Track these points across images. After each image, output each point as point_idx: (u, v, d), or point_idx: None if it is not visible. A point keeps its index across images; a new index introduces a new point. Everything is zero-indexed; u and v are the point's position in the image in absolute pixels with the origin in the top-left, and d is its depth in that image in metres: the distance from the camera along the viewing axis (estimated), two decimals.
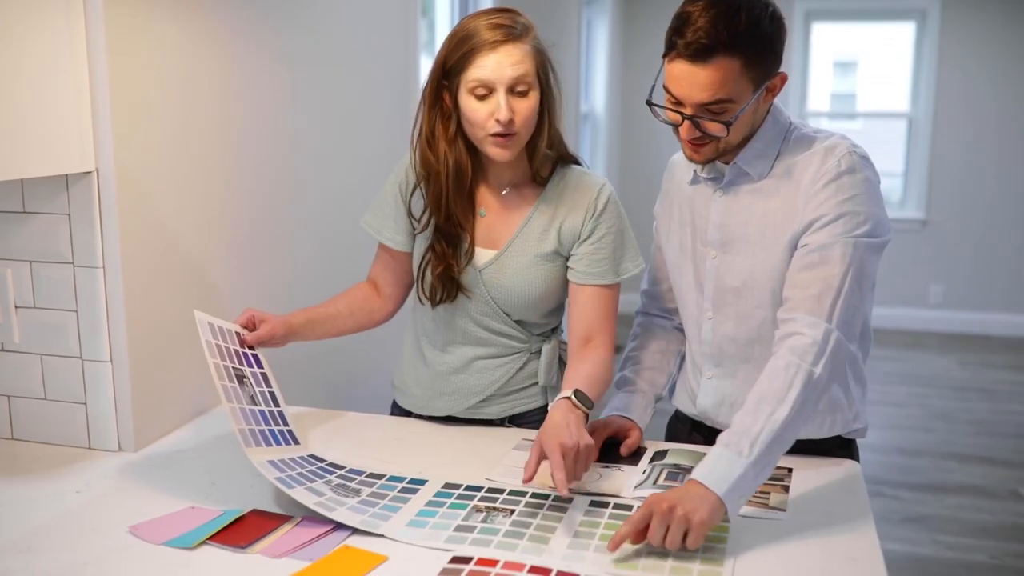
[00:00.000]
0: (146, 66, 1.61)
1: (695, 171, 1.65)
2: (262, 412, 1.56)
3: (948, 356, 5.98)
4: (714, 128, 1.48)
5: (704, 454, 1.61)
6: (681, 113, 1.48)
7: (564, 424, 1.42)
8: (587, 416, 1.49)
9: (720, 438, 1.36)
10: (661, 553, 1.27)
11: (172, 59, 1.68)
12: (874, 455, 4.18)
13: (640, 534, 1.27)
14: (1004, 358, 5.95)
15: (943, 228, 6.48)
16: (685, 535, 1.25)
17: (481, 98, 1.54)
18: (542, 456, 1.39)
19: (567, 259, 1.69)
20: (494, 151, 1.57)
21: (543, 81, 1.59)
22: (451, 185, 1.63)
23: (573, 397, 1.48)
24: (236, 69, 1.88)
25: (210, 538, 1.30)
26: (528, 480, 1.38)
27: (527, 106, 1.55)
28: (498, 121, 1.53)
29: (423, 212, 1.68)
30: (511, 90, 1.53)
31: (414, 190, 1.69)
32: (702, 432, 1.75)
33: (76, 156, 1.51)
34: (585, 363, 1.60)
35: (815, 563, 1.27)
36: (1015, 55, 6.22)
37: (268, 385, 1.63)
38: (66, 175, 1.55)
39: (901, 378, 5.38)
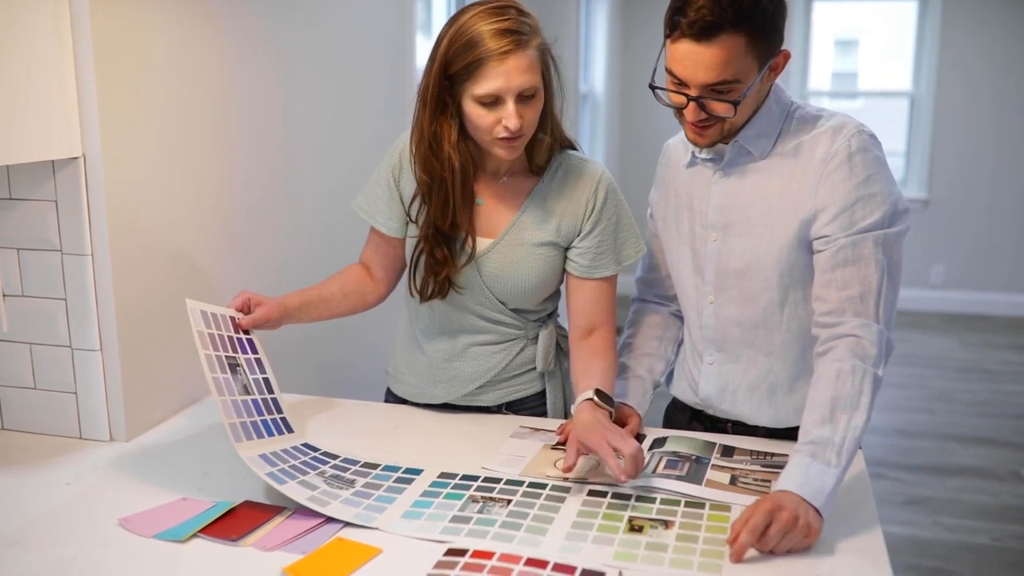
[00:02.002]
0: (133, 49, 1.58)
1: (692, 153, 1.62)
2: (255, 401, 1.54)
3: (949, 336, 5.96)
4: (720, 108, 1.45)
5: (704, 441, 1.61)
6: (686, 95, 1.45)
7: (596, 420, 1.45)
8: (610, 415, 1.51)
9: (802, 447, 1.33)
10: (660, 546, 1.25)
11: (161, 42, 1.64)
12: (875, 437, 4.16)
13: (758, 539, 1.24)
14: (1005, 338, 5.93)
15: (945, 208, 6.44)
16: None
17: (487, 106, 1.49)
18: (581, 451, 1.42)
19: (565, 249, 1.66)
20: (501, 152, 1.54)
21: (547, 79, 1.55)
22: (458, 188, 1.58)
23: (596, 397, 1.50)
24: (227, 53, 1.85)
25: (201, 531, 1.28)
26: (568, 470, 1.42)
27: (534, 109, 1.53)
28: (506, 128, 1.50)
29: (418, 211, 1.63)
30: (519, 97, 1.50)
31: (414, 196, 1.64)
32: (703, 421, 1.73)
33: (62, 142, 1.48)
34: (595, 358, 1.61)
35: (816, 550, 1.25)
36: (1018, 33, 6.16)
37: (262, 371, 1.61)
38: (52, 161, 1.52)
39: (902, 359, 5.35)
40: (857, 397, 1.36)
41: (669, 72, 1.46)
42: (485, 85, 1.47)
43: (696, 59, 1.40)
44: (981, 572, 3.03)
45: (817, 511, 1.26)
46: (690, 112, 1.46)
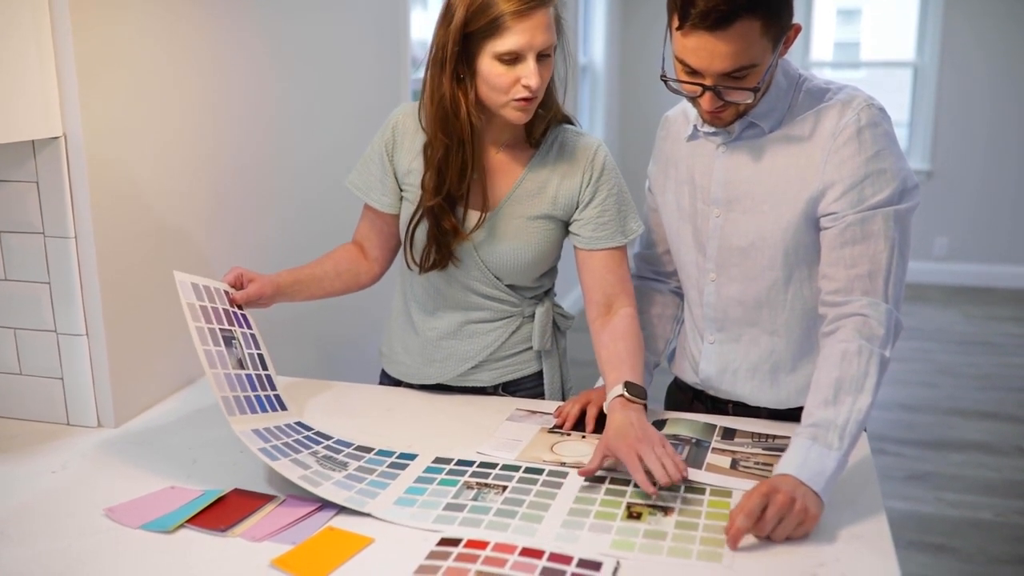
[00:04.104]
0: (114, 23, 1.53)
1: (695, 126, 1.57)
2: (248, 376, 1.51)
3: (952, 309, 5.92)
4: (739, 96, 1.40)
5: (705, 424, 1.58)
6: (701, 84, 1.39)
7: (628, 423, 1.37)
8: (645, 407, 1.45)
9: (804, 430, 1.30)
10: (659, 533, 1.22)
11: (143, 16, 1.59)
12: (877, 412, 4.13)
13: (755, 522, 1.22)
14: (1009, 311, 5.88)
15: (948, 179, 6.37)
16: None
17: (507, 64, 1.46)
18: (605, 458, 1.36)
19: (567, 224, 1.63)
20: (515, 115, 1.50)
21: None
22: (478, 150, 1.55)
23: (627, 393, 1.44)
24: (214, 27, 1.79)
25: (188, 521, 1.25)
26: (586, 474, 1.35)
27: (548, 71, 1.50)
28: (526, 87, 1.46)
29: (429, 180, 1.58)
30: (537, 56, 1.46)
31: (427, 166, 1.59)
32: (704, 402, 1.69)
33: (41, 121, 1.43)
34: (619, 341, 1.55)
35: (819, 537, 1.22)
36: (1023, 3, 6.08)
37: (256, 347, 1.58)
38: (32, 141, 1.47)
39: (905, 332, 5.27)
40: (863, 379, 1.33)
41: (680, 61, 1.39)
42: (507, 41, 1.44)
43: (711, 50, 1.34)
44: (984, 548, 3.01)
45: (817, 495, 1.23)
46: (706, 101, 1.41)
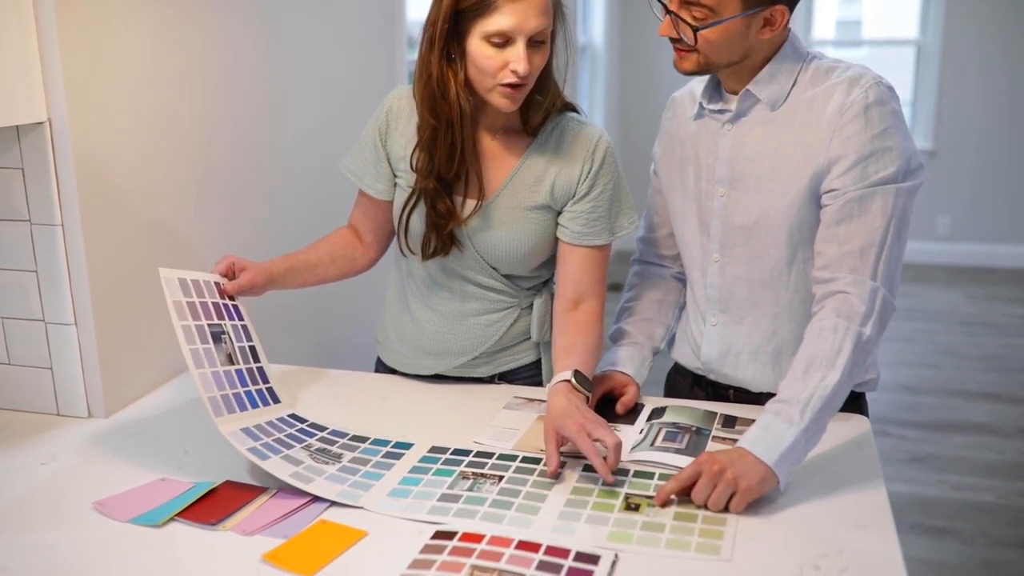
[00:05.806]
0: (99, 4, 1.49)
1: (700, 104, 1.55)
2: (239, 372, 1.48)
3: (955, 289, 5.89)
4: (684, 29, 1.42)
5: (705, 411, 1.55)
6: (666, 6, 1.43)
7: (573, 407, 1.36)
8: (587, 399, 1.43)
9: (768, 406, 1.32)
10: (657, 526, 1.20)
11: None
12: (879, 393, 4.07)
13: (686, 491, 1.25)
14: (1012, 291, 5.85)
15: (951, 158, 6.32)
16: (730, 497, 1.23)
17: (497, 46, 1.42)
18: (560, 443, 1.34)
19: (559, 214, 1.59)
20: (502, 101, 1.46)
21: (553, 32, 1.48)
22: (468, 131, 1.51)
23: (573, 380, 1.42)
24: (203, 7, 1.76)
25: (178, 514, 1.23)
26: (555, 472, 1.32)
27: (542, 57, 1.46)
28: (514, 72, 1.42)
29: (419, 162, 1.55)
30: (529, 41, 1.42)
31: (416, 145, 1.56)
32: (704, 387, 1.67)
33: (25, 105, 1.40)
34: (580, 336, 1.53)
35: (822, 527, 1.20)
36: None
37: (248, 339, 1.55)
38: (16, 126, 1.44)
39: (907, 313, 5.29)
40: (834, 356, 1.32)
41: None
42: (498, 22, 1.40)
43: None
44: (987, 531, 3.00)
45: (768, 468, 1.24)
46: (664, 26, 1.44)
